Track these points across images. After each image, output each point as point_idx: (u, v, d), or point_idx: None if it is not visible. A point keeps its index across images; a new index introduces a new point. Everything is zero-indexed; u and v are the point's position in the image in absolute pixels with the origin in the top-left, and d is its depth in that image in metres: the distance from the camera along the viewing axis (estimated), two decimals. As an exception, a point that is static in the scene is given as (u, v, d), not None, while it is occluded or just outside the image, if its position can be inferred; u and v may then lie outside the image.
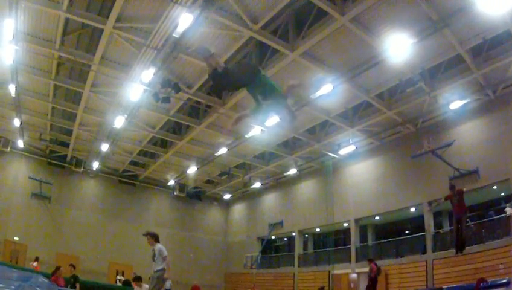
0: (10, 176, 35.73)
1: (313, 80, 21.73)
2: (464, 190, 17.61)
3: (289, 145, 32.58)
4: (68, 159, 37.58)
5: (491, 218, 23.01)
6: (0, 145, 33.70)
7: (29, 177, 35.50)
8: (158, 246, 12.21)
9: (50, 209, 36.46)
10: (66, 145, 35.45)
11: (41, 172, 36.65)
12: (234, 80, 6.31)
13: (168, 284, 12.59)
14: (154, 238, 12.43)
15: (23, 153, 36.39)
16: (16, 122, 29.58)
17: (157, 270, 11.97)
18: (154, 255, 12.16)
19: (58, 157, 37.73)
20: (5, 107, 28.43)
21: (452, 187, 17.83)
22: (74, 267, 18.50)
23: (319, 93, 22.24)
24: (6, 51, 20.22)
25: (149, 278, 12.55)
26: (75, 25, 20.48)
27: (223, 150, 31.12)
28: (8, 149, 34.11)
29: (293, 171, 35.57)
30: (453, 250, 18.91)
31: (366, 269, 21.42)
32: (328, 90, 21.74)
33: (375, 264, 20.62)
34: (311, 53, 20.47)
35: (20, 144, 34.44)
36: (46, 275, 15.39)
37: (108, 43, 20.29)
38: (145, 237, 12.55)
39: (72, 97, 27.79)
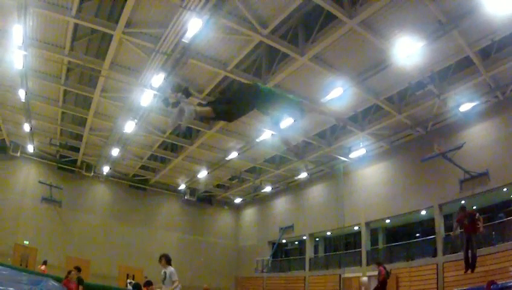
0: (20, 181, 35.94)
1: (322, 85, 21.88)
2: (477, 215, 17.47)
3: (300, 149, 32.51)
4: (78, 163, 37.73)
5: (501, 220, 22.91)
6: (10, 150, 34.05)
7: (39, 182, 35.75)
8: (170, 269, 12.21)
9: (60, 213, 36.65)
10: (76, 149, 35.61)
11: (52, 177, 36.91)
12: (236, 113, 6.03)
13: (177, 288, 12.55)
14: (167, 260, 12.45)
15: (33, 157, 36.60)
16: (26, 127, 29.75)
17: None
18: (164, 278, 12.17)
19: (68, 162, 37.92)
20: (15, 112, 28.60)
21: (463, 208, 17.74)
22: (79, 270, 18.51)
23: (329, 97, 22.27)
24: (16, 57, 20.36)
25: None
26: (84, 30, 20.60)
27: (233, 154, 31.18)
28: (18, 154, 34.41)
29: (303, 175, 35.55)
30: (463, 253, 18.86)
31: (377, 273, 21.29)
32: (337, 93, 21.80)
33: (384, 268, 20.51)
34: (321, 57, 20.44)
35: (30, 148, 34.69)
36: (57, 279, 15.44)
37: (117, 49, 20.37)
38: (161, 262, 12.56)
39: (82, 102, 27.88)
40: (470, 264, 17.08)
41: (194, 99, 23.86)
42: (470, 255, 17.18)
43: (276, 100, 6.18)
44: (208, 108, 5.73)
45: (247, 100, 5.91)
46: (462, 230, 18.03)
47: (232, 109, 5.86)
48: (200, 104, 5.96)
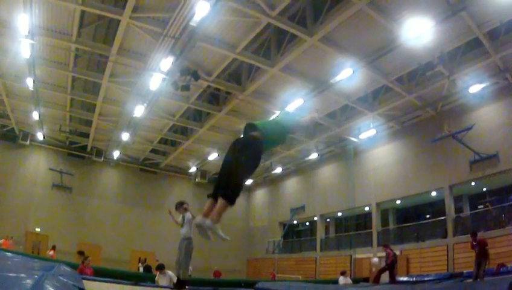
0: (31, 169, 36.32)
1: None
2: (487, 247, 17.37)
3: (309, 130, 32.42)
4: (88, 149, 37.95)
5: (511, 202, 22.85)
6: (20, 138, 34.25)
7: (50, 169, 36.00)
8: (188, 213, 12.35)
9: (71, 199, 37.00)
10: (86, 135, 35.79)
11: (62, 163, 37.20)
12: (250, 174, 5.47)
13: (189, 270, 12.65)
14: (185, 205, 12.59)
15: (43, 145, 36.92)
16: (35, 115, 29.90)
17: (185, 238, 12.05)
18: (183, 222, 12.28)
19: (78, 148, 38.21)
20: (24, 101, 28.77)
21: (474, 234, 17.62)
22: (84, 255, 18.54)
23: (338, 77, 22.18)
24: (23, 46, 20.37)
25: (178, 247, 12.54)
26: (91, 16, 20.54)
27: (244, 136, 30.98)
28: (28, 142, 34.69)
29: (314, 155, 35.48)
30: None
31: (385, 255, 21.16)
32: (347, 74, 21.68)
33: (392, 250, 20.41)
34: (330, 38, 20.33)
35: (39, 136, 34.90)
36: (69, 265, 15.46)
37: (125, 34, 20.34)
38: (178, 209, 12.65)
39: (90, 88, 27.94)
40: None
41: (202, 82, 23.95)
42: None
43: (280, 132, 5.86)
44: (221, 203, 5.12)
45: (256, 155, 5.39)
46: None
47: (244, 175, 5.33)
48: (209, 199, 5.27)
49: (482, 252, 16.94)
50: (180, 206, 12.57)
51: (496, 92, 23.65)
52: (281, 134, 5.92)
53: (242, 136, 5.65)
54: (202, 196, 42.18)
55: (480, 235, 19.72)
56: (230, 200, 5.05)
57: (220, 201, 5.04)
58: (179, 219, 12.53)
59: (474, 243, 17.22)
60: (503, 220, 22.42)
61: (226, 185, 5.12)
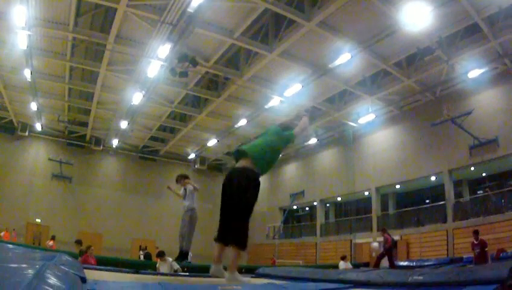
0: (30, 160, 36.43)
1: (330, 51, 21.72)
2: (487, 249, 17.31)
3: (308, 130, 32.26)
4: (87, 138, 38.02)
5: (510, 188, 22.84)
6: (19, 130, 34.39)
7: (49, 159, 36.12)
8: (189, 185, 12.28)
9: (71, 189, 37.14)
10: (85, 125, 35.84)
11: (61, 153, 37.32)
12: (253, 205, 5.30)
13: (189, 257, 12.59)
14: (186, 177, 12.52)
15: (42, 135, 36.99)
16: (33, 106, 29.88)
17: (189, 209, 11.99)
18: (185, 194, 12.23)
19: (77, 138, 38.30)
20: (21, 92, 28.76)
21: (476, 232, 17.55)
22: (81, 244, 18.56)
23: (337, 62, 22.13)
24: (20, 37, 20.27)
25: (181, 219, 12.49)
26: (87, 5, 20.45)
27: (242, 122, 31.04)
28: (27, 133, 34.85)
29: (313, 140, 35.43)
30: (473, 219, 18.79)
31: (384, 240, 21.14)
32: (345, 59, 21.66)
33: (389, 235, 20.40)
34: (328, 22, 20.25)
35: (38, 127, 34.92)
36: (70, 254, 15.44)
37: (122, 22, 20.29)
38: (179, 182, 12.54)
39: (88, 77, 27.88)
40: None
41: (201, 68, 23.86)
42: None
43: (273, 155, 5.84)
44: (234, 252, 5.09)
45: (255, 190, 5.32)
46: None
47: (249, 215, 5.24)
48: (217, 244, 5.43)
49: (481, 254, 16.95)
50: (181, 178, 12.49)
51: (495, 77, 23.62)
52: (275, 155, 5.89)
53: (236, 166, 5.57)
54: (202, 183, 42.21)
55: (480, 220, 19.77)
56: (243, 247, 5.05)
57: (233, 250, 5.05)
58: (181, 191, 12.50)
59: (476, 242, 17.19)
60: (502, 205, 22.45)
61: (232, 229, 5.18)
